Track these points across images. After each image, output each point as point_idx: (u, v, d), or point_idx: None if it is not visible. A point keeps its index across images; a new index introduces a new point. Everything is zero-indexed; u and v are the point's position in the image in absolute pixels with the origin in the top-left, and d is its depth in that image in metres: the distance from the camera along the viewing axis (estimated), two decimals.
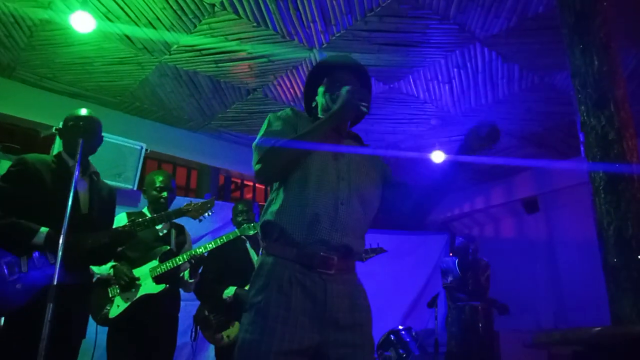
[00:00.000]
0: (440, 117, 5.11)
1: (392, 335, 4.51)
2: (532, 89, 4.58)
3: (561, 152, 5.76)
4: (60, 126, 2.51)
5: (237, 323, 3.33)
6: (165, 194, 3.23)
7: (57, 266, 2.05)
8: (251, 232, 3.38)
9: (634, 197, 2.37)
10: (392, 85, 4.54)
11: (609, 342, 1.88)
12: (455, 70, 4.31)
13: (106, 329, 3.03)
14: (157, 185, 3.25)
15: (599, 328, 1.80)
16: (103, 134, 2.59)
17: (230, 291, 3.33)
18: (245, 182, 6.05)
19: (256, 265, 1.62)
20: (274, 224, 1.57)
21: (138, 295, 2.99)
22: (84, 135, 2.40)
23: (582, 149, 2.59)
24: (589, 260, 4.49)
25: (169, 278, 3.05)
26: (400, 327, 4.62)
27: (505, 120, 5.14)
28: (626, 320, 2.08)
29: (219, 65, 4.24)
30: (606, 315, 2.31)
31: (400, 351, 4.39)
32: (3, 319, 2.18)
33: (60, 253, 2.07)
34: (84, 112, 2.53)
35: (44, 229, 2.24)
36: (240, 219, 3.59)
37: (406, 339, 4.46)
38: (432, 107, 4.90)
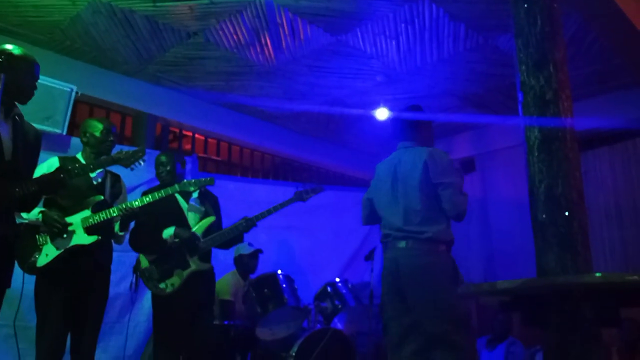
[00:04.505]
0: (386, 74, 5.09)
1: (328, 287, 4.59)
2: (476, 49, 4.63)
3: (500, 114, 5.92)
4: None
5: (179, 271, 3.34)
6: (111, 138, 3.14)
7: None
8: (191, 189, 3.32)
9: (566, 156, 2.46)
10: (339, 37, 4.46)
11: (534, 293, 1.98)
12: (403, 25, 4.27)
13: (34, 278, 2.92)
14: (103, 128, 3.14)
15: (525, 279, 1.88)
16: None
17: (170, 231, 3.32)
18: (184, 132, 5.85)
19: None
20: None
21: (69, 245, 2.88)
22: (6, 72, 2.23)
23: (519, 108, 2.65)
24: (518, 219, 4.71)
25: (101, 229, 2.95)
26: (337, 280, 4.70)
27: (449, 79, 5.20)
28: (551, 273, 2.19)
29: (157, 4, 3.99)
30: (533, 271, 2.43)
31: (336, 302, 4.48)
32: None
33: None
34: (8, 47, 2.32)
35: None
36: (161, 171, 3.52)
37: (342, 291, 4.56)
38: (378, 62, 4.87)
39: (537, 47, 2.68)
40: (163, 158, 3.57)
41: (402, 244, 2.79)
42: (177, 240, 3.33)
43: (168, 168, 3.51)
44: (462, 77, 5.14)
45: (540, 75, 2.60)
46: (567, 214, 2.25)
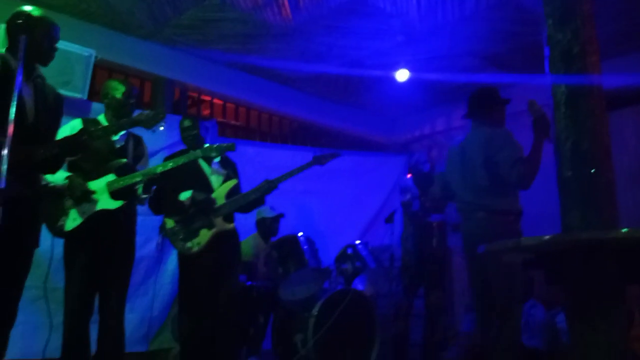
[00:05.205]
0: (406, 34, 4.98)
1: (349, 249, 4.63)
2: (499, 7, 4.48)
3: (522, 74, 5.77)
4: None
5: (204, 231, 3.40)
6: (132, 100, 3.15)
7: (3, 173, 1.96)
8: (213, 154, 3.33)
9: (592, 112, 2.40)
10: None
11: (558, 249, 1.96)
12: None
13: (62, 241, 2.99)
14: (125, 90, 3.14)
15: (550, 236, 1.87)
16: None
17: (187, 194, 3.35)
18: (203, 97, 5.84)
19: None
20: None
21: (95, 209, 2.93)
22: (26, 33, 2.23)
23: (546, 63, 2.58)
24: (542, 181, 4.64)
25: (126, 193, 2.99)
26: (358, 242, 4.74)
27: (470, 39, 5.06)
28: (576, 229, 2.17)
29: None
30: (557, 232, 2.42)
31: (357, 264, 4.52)
32: None
33: (5, 162, 1.97)
34: (27, 9, 2.37)
35: None
36: (186, 134, 3.55)
37: (362, 253, 4.59)
38: (398, 22, 4.75)
39: (563, 1, 2.59)
40: (187, 122, 3.58)
41: (474, 215, 3.09)
42: (192, 203, 3.35)
43: (194, 132, 3.53)
44: (484, 36, 5.00)
45: (567, 29, 2.52)
46: (593, 170, 2.21)
